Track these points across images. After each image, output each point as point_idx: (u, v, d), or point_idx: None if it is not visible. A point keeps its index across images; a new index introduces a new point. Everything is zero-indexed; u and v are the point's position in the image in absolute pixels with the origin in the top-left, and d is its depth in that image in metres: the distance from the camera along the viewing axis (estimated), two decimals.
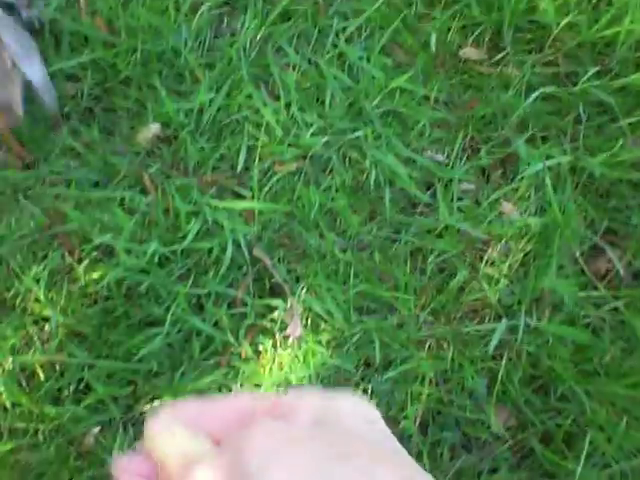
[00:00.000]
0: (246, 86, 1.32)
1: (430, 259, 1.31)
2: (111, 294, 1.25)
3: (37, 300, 1.26)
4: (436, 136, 1.35)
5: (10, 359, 1.25)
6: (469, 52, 1.39)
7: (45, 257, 1.29)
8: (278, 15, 1.36)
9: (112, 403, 1.23)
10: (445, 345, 1.30)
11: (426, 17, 1.41)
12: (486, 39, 1.41)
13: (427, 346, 1.29)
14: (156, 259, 1.25)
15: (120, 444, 1.22)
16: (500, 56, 1.41)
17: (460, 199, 1.34)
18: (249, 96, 1.32)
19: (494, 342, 1.27)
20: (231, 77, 1.33)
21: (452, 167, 1.34)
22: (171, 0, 1.34)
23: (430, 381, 1.28)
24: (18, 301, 1.25)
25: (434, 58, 1.39)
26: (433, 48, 1.34)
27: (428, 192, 1.33)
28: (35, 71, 1.27)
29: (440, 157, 1.35)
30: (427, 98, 1.38)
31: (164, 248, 1.25)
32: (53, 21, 1.34)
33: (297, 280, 1.29)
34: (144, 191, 1.30)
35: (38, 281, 1.26)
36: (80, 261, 1.28)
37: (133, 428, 1.24)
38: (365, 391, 1.27)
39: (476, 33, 1.41)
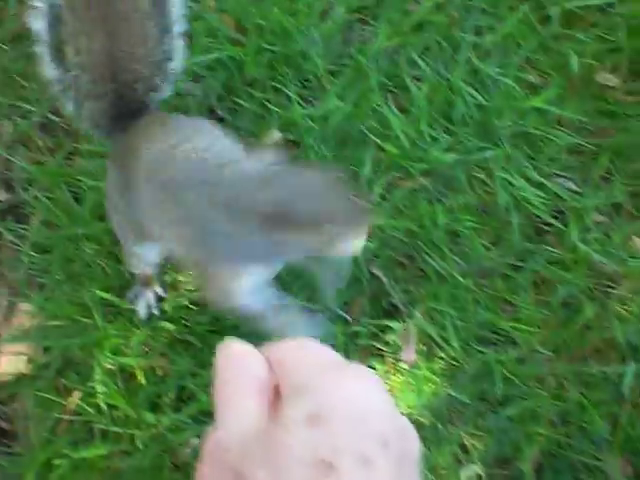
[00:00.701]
0: (374, 96, 1.27)
1: (556, 291, 1.23)
2: None
3: None
4: (568, 162, 1.28)
5: (111, 360, 1.21)
6: (606, 77, 1.32)
7: None
8: (411, 26, 1.31)
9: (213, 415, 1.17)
10: (566, 384, 1.21)
11: (562, 37, 1.35)
12: (625, 65, 1.34)
13: (547, 384, 1.21)
14: None
15: None
16: (639, 84, 1.34)
17: (589, 230, 1.26)
18: (377, 106, 1.26)
19: (623, 386, 1.18)
20: (359, 86, 1.28)
21: (583, 196, 1.26)
22: (303, 2, 1.30)
23: (548, 422, 1.20)
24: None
25: (568, 81, 1.32)
26: (574, 70, 1.28)
27: (557, 220, 1.26)
28: None
29: (571, 184, 1.27)
30: (559, 122, 1.31)
31: None
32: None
33: (413, 302, 1.23)
34: None
35: None
36: None
37: None
38: (478, 427, 1.19)
39: (614, 58, 1.34)
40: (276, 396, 0.37)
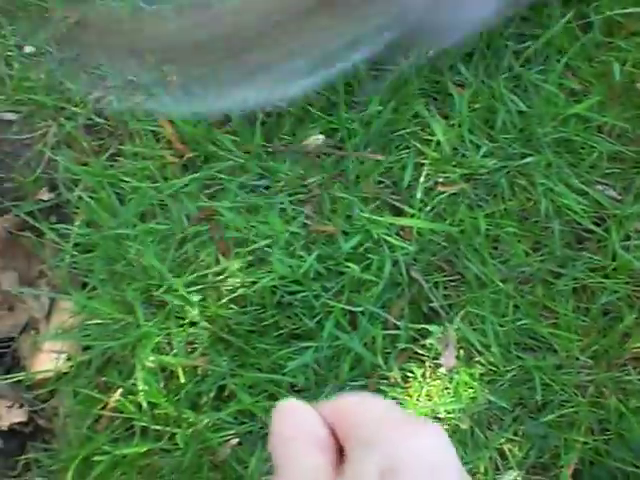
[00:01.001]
0: (416, 102, 1.28)
1: (596, 299, 1.23)
2: (263, 301, 1.21)
3: (185, 300, 1.22)
4: (610, 170, 1.28)
5: (152, 358, 1.22)
6: None
7: (195, 258, 1.26)
8: None
9: (253, 415, 1.19)
10: (605, 392, 1.21)
11: (604, 45, 1.35)
12: None
13: (586, 391, 1.21)
14: (311, 274, 1.20)
15: (257, 459, 1.17)
16: None
17: (630, 238, 1.26)
18: (418, 112, 1.27)
19: None
20: (400, 91, 1.29)
21: (624, 204, 1.26)
22: None
23: (587, 429, 1.19)
24: (167, 297, 1.22)
25: (609, 88, 1.32)
26: (616, 78, 1.28)
27: (598, 227, 1.26)
28: None
29: (612, 192, 1.27)
30: (600, 129, 1.31)
31: (320, 264, 1.21)
32: None
33: (453, 307, 1.23)
34: (303, 200, 1.27)
35: (188, 282, 1.23)
36: (230, 258, 1.24)
37: None
38: (516, 433, 1.19)
39: None
40: (338, 455, 0.37)
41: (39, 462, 1.24)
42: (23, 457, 1.26)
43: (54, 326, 1.33)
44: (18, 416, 1.30)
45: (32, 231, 1.36)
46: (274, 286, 1.21)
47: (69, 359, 1.29)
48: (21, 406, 1.31)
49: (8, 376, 1.29)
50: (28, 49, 1.46)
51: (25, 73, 1.43)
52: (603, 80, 1.32)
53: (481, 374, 1.20)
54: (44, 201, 1.38)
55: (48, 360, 1.32)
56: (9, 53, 1.45)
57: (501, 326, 1.21)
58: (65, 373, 1.28)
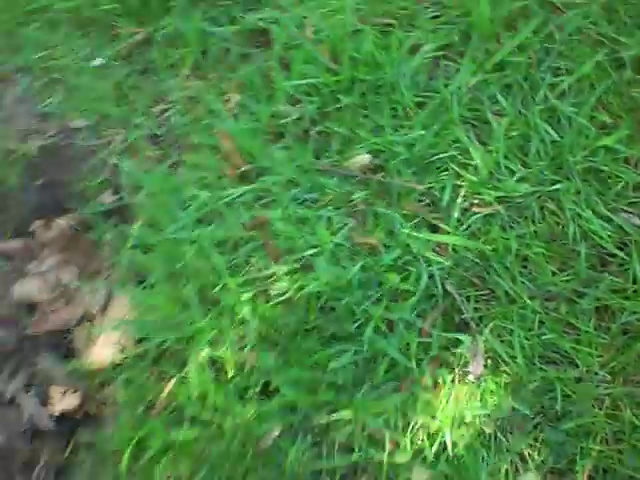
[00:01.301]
0: (455, 128, 1.38)
1: (616, 318, 1.32)
2: (308, 305, 1.32)
3: (237, 299, 1.33)
4: (635, 199, 1.37)
5: (204, 352, 1.33)
6: None
7: (247, 262, 1.37)
8: (493, 64, 1.43)
9: (295, 409, 1.29)
10: (621, 405, 1.30)
11: (634, 82, 1.44)
12: None
13: (603, 404, 1.30)
14: (355, 282, 1.31)
15: (297, 449, 1.28)
16: None
17: None
18: (459, 137, 1.38)
19: None
20: (442, 117, 1.39)
21: None
22: (395, 37, 1.42)
23: (602, 439, 1.29)
24: (222, 296, 1.33)
25: (638, 123, 1.41)
26: None
27: (621, 252, 1.35)
28: None
29: (636, 220, 1.37)
30: (627, 161, 1.40)
31: (363, 273, 1.31)
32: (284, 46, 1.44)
33: (483, 320, 1.33)
34: (348, 214, 1.37)
35: (240, 284, 1.34)
36: (279, 264, 1.34)
37: (311, 436, 1.29)
38: (536, 439, 1.29)
39: None
40: None
41: (89, 444, 1.35)
42: (74, 440, 1.37)
43: (109, 319, 1.45)
44: (70, 402, 1.41)
45: (94, 230, 1.48)
46: (319, 292, 1.32)
47: (122, 351, 1.40)
48: (74, 392, 1.42)
49: (63, 364, 1.41)
50: (97, 62, 1.58)
51: (94, 84, 1.55)
52: (632, 115, 1.42)
53: (506, 383, 1.30)
54: (107, 203, 1.50)
55: (102, 351, 1.43)
56: (80, 65, 1.58)
57: (527, 339, 1.31)
58: (118, 364, 1.39)
